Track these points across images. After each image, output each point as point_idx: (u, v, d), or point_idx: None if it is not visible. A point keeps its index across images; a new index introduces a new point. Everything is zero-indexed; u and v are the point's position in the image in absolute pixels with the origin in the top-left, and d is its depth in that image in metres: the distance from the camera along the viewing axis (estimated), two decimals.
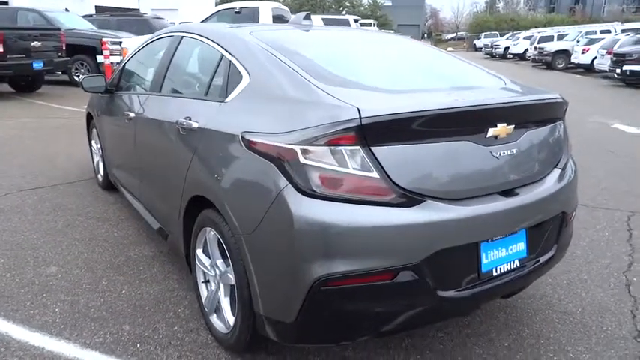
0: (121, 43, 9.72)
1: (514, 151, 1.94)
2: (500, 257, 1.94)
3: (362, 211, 1.65)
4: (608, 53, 15.88)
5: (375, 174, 1.66)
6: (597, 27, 23.92)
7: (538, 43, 23.88)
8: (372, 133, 1.65)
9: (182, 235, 2.48)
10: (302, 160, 1.67)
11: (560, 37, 23.90)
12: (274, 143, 1.74)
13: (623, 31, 20.65)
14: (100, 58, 11.04)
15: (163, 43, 3.13)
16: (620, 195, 4.52)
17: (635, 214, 4.03)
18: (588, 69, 19.19)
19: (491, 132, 1.85)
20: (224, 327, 2.17)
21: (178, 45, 2.88)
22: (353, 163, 1.66)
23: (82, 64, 11.51)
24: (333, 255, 1.64)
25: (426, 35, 66.56)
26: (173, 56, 2.89)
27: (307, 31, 2.85)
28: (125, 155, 3.34)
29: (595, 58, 18.00)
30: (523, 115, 1.99)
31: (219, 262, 2.18)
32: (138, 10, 24.71)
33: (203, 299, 2.36)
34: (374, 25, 13.35)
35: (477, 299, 1.90)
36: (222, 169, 2.00)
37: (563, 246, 2.27)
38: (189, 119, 2.32)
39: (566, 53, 21.48)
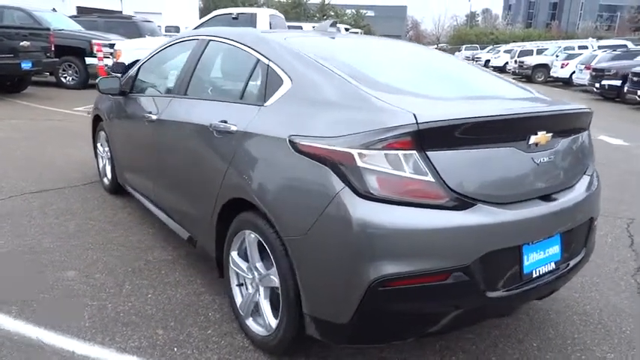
0: (113, 45, 9.62)
1: (552, 158, 2.01)
2: (539, 260, 2.00)
3: (418, 213, 1.70)
4: (587, 68, 16.40)
5: (430, 177, 1.71)
6: (575, 42, 24.70)
7: (518, 57, 24.49)
8: (428, 138, 1.71)
9: (214, 238, 2.48)
10: (359, 163, 1.71)
11: (540, 52, 24.55)
12: (329, 146, 1.77)
13: (599, 47, 21.34)
14: (88, 60, 10.90)
15: (185, 46, 3.14)
16: (615, 204, 4.67)
17: (633, 221, 4.17)
18: (567, 83, 19.74)
19: (532, 139, 1.92)
20: (264, 330, 2.18)
21: (205, 49, 2.89)
22: (409, 166, 1.70)
23: (70, 66, 11.33)
24: (390, 256, 1.68)
25: None
26: (199, 60, 2.89)
27: (333, 38, 2.91)
28: (143, 158, 3.32)
29: (574, 72, 18.56)
30: (560, 124, 2.07)
31: (259, 264, 2.19)
32: (121, 12, 24.44)
33: (238, 303, 2.37)
34: (361, 34, 13.51)
35: (518, 300, 1.96)
36: (268, 171, 2.02)
37: (590, 250, 2.35)
38: (225, 122, 2.34)
39: (545, 67, 22.06)
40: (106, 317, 2.46)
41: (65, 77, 11.42)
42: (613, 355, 2.34)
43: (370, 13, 58.49)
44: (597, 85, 14.60)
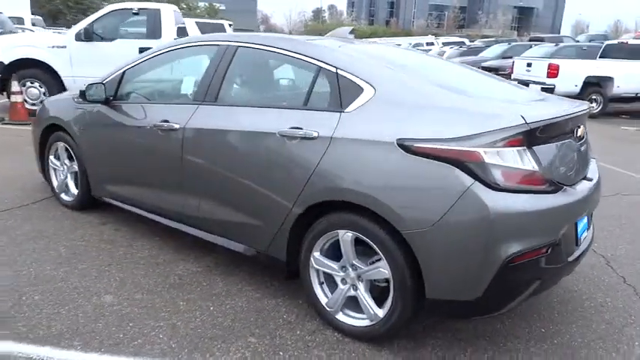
0: None
1: (584, 147, 2.52)
2: (582, 228, 2.50)
3: (531, 198, 2.05)
4: None
5: (537, 168, 2.06)
6: (423, 39, 27.55)
7: None
8: (533, 135, 2.05)
9: (286, 243, 2.53)
10: (486, 160, 1.99)
11: None
12: (455, 147, 2.02)
13: (444, 43, 24.17)
14: None
15: (199, 51, 3.06)
16: None
17: None
18: None
19: (578, 132, 2.40)
20: (367, 321, 2.34)
21: (234, 55, 2.85)
22: (522, 160, 2.04)
23: None
24: (516, 236, 2.00)
25: None
26: (229, 66, 2.85)
27: (353, 43, 3.10)
28: (154, 170, 3.13)
29: None
30: (585, 119, 2.58)
31: (356, 261, 2.34)
32: None
33: (323, 301, 2.48)
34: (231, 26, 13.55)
35: (577, 261, 2.42)
36: (376, 173, 2.17)
37: (593, 223, 2.93)
38: (301, 129, 2.41)
39: None
40: (187, 335, 2.38)
41: None
42: (609, 298, 2.97)
43: (222, 7, 57.46)
44: None
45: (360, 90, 2.36)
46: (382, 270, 2.24)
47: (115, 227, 3.63)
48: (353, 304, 2.42)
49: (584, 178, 2.47)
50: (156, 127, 3.02)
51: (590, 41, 19.79)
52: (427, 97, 2.25)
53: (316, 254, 2.46)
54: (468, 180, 1.99)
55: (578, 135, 2.41)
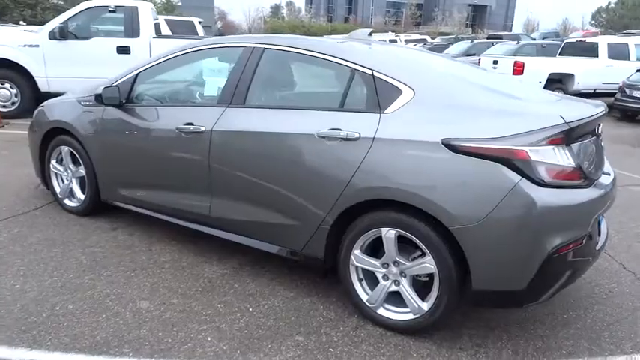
0: None
1: (603, 143, 2.69)
2: (601, 219, 2.67)
3: (571, 193, 2.19)
4: None
5: (574, 164, 2.21)
6: (386, 37, 27.91)
7: None
8: (571, 134, 2.19)
9: (324, 242, 2.59)
10: (533, 157, 2.11)
11: None
12: (501, 146, 2.13)
13: (407, 41, 24.61)
14: None
15: (223, 53, 3.06)
16: None
17: None
18: None
19: (599, 130, 2.57)
20: (410, 314, 2.43)
21: (260, 57, 2.87)
22: (562, 157, 2.17)
23: None
24: (559, 229, 2.14)
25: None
26: (256, 69, 2.86)
27: (370, 44, 3.17)
28: (177, 174, 3.09)
29: None
30: (604, 118, 2.76)
31: (399, 257, 2.42)
32: None
33: (364, 297, 2.55)
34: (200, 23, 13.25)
35: (601, 249, 2.60)
36: (422, 172, 2.25)
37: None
38: (340, 130, 2.47)
39: None
40: (234, 337, 2.40)
41: None
42: (615, 284, 3.19)
43: (178, 3, 56.22)
44: None
45: (399, 92, 2.44)
46: (428, 265, 2.33)
47: (129, 232, 3.57)
48: (393, 298, 2.51)
49: (603, 172, 2.65)
50: (179, 129, 3.00)
51: (543, 38, 20.64)
52: (466, 97, 2.36)
53: (357, 252, 2.52)
54: (515, 177, 2.11)
55: (598, 132, 2.58)
